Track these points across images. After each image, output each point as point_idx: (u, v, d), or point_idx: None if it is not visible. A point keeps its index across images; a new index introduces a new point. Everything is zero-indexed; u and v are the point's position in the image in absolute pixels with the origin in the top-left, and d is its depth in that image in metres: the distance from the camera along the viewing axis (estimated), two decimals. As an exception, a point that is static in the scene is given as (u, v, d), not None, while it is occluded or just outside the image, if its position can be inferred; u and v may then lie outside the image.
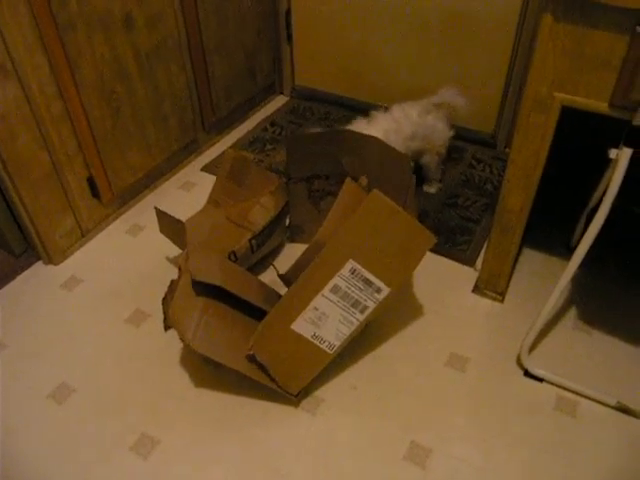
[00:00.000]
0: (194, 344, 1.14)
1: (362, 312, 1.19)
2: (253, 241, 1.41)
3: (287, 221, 1.61)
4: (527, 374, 1.32)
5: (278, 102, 2.31)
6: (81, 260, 1.63)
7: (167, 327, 1.33)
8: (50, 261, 1.60)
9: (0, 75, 1.29)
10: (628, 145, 1.01)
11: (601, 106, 1.06)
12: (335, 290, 1.15)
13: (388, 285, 1.17)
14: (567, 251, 1.64)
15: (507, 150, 2.00)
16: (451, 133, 1.74)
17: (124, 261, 1.62)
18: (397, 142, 1.60)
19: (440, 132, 1.71)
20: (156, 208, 1.44)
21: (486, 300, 1.51)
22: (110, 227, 1.74)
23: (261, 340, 1.16)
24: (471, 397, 1.29)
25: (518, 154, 1.22)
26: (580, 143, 1.68)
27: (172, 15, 1.67)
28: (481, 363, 1.35)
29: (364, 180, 1.35)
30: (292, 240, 1.64)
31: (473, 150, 2.01)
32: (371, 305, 1.19)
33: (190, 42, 1.77)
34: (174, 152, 1.88)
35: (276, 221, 1.47)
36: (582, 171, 1.40)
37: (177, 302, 1.18)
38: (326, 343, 1.20)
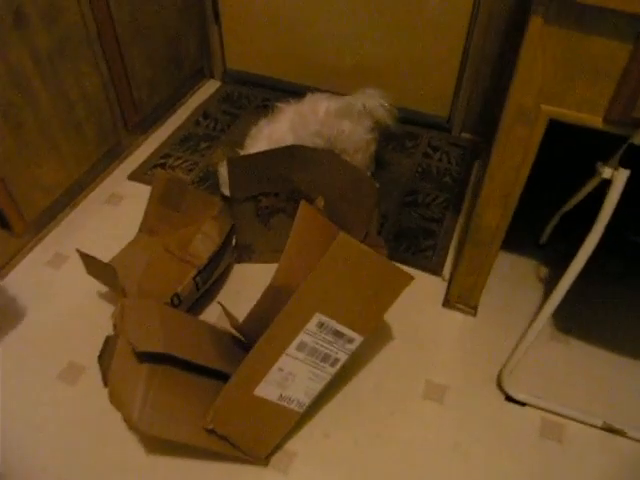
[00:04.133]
0: (142, 426, 0.97)
1: (333, 365, 1.05)
2: (198, 278, 1.22)
3: (233, 241, 1.43)
4: (509, 399, 1.24)
5: (209, 88, 2.06)
6: (-5, 305, 1.40)
7: (107, 382, 1.15)
8: (-44, 310, 1.36)
9: None
10: (625, 166, 0.89)
11: (595, 121, 0.92)
12: (301, 347, 1.00)
13: (361, 333, 1.03)
14: (536, 249, 1.55)
15: (463, 135, 1.86)
16: (370, 137, 1.52)
17: (48, 301, 1.40)
18: (304, 137, 1.45)
19: (354, 136, 1.49)
20: (78, 251, 1.22)
21: (458, 314, 1.40)
22: (28, 259, 1.49)
23: (220, 412, 1.00)
24: (452, 432, 1.19)
25: (497, 169, 1.08)
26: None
27: (75, 3, 1.39)
28: (459, 390, 1.26)
29: (321, 201, 1.19)
30: (240, 260, 1.46)
31: (428, 136, 1.86)
32: (343, 357, 1.05)
33: (101, 34, 1.50)
34: (94, 162, 1.63)
35: (222, 250, 1.28)
36: (554, 168, 1.30)
37: (116, 374, 1.00)
38: (295, 402, 1.06)
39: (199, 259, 1.23)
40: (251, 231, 1.38)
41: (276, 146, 1.44)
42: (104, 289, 1.39)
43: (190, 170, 1.71)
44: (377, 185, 1.15)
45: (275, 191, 1.30)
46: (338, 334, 1.01)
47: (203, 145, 1.80)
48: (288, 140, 1.45)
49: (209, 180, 1.67)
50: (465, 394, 1.25)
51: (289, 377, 1.02)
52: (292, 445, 1.15)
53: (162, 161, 1.74)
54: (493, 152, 1.06)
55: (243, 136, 1.68)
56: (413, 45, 1.73)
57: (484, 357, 1.31)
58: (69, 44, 1.40)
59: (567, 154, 1.59)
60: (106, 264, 1.15)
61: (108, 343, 1.13)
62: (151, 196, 1.30)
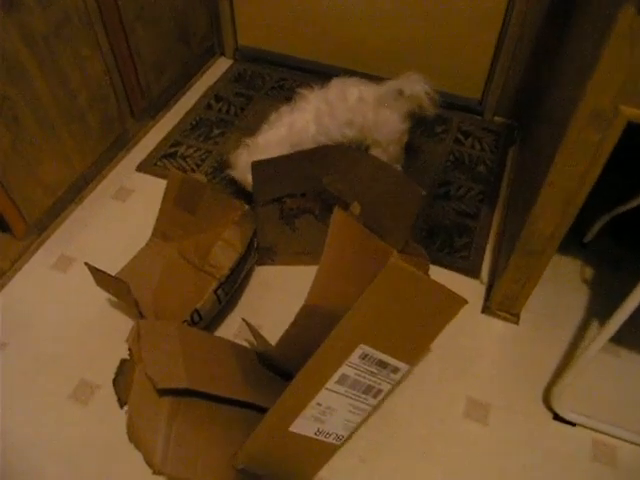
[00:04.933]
0: (166, 469, 0.87)
1: (375, 396, 0.95)
2: (219, 291, 1.11)
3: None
4: (557, 418, 1.15)
5: (220, 67, 1.90)
6: (-1, 315, 1.29)
7: (123, 403, 1.05)
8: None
9: None
10: None
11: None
12: (342, 380, 0.90)
13: (407, 362, 0.93)
14: (580, 247, 1.43)
15: (496, 118, 1.72)
16: (404, 126, 1.39)
17: (55, 310, 1.29)
18: (332, 128, 1.32)
19: (389, 126, 1.36)
20: (87, 265, 1.10)
21: (498, 322, 1.29)
22: (31, 263, 1.38)
23: (252, 452, 0.90)
24: (497, 457, 1.10)
25: (559, 175, 0.95)
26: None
27: (72, -20, 1.24)
28: (504, 409, 1.16)
29: (357, 208, 1.07)
30: (261, 263, 1.34)
31: (458, 119, 1.72)
32: (386, 387, 0.95)
33: (103, 13, 1.34)
34: (99, 154, 1.50)
35: (244, 258, 1.17)
36: (608, 164, 1.16)
37: (135, 409, 0.90)
38: (332, 436, 0.96)
39: (220, 270, 1.11)
40: (274, 233, 1.27)
41: (297, 136, 1.31)
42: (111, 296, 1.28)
43: (202, 160, 1.58)
44: (424, 192, 1.02)
45: (302, 192, 1.18)
46: (382, 364, 0.91)
47: (216, 131, 1.66)
48: (311, 130, 1.32)
49: (223, 171, 1.54)
50: (509, 412, 1.15)
51: (327, 411, 0.92)
52: (328, 474, 1.06)
53: (172, 150, 1.61)
54: (556, 156, 0.93)
55: (258, 121, 1.54)
56: (446, 21, 1.57)
57: (528, 370, 1.21)
58: (67, 25, 1.25)
59: (626, 153, 1.46)
60: (119, 280, 1.04)
61: (123, 366, 1.03)
62: (165, 198, 1.18)
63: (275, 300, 1.31)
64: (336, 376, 0.88)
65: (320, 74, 1.81)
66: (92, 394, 1.16)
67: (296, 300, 1.30)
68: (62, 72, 1.28)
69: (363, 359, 0.89)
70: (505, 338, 1.28)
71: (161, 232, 1.20)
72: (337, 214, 1.02)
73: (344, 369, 0.88)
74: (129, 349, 0.99)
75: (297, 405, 0.89)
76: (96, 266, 1.15)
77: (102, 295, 1.28)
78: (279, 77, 1.83)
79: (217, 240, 1.13)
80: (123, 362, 1.04)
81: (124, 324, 1.24)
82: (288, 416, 0.89)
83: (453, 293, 0.89)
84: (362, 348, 0.87)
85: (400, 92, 1.31)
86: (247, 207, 1.15)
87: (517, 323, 1.29)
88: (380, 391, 0.94)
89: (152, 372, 0.88)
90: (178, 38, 1.66)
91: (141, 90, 1.56)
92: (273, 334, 1.16)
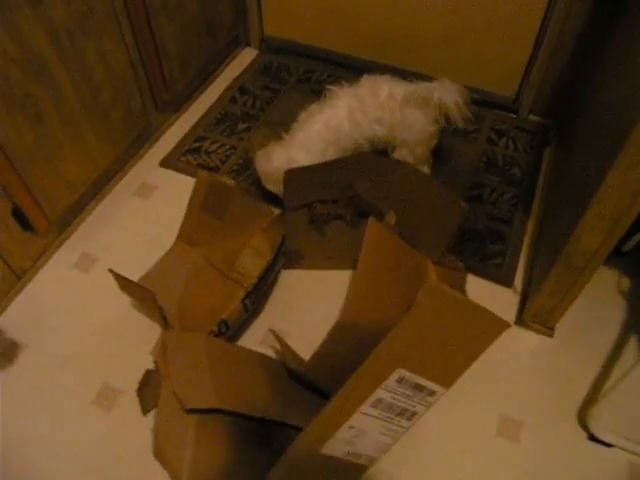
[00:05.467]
0: (193, 490, 0.85)
1: (410, 419, 0.91)
2: (247, 300, 1.08)
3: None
4: (593, 438, 1.11)
5: (245, 57, 1.84)
6: (20, 315, 1.27)
7: (146, 411, 1.04)
8: (-21, 321, 1.24)
9: None
10: None
11: None
12: (376, 404, 0.86)
13: (444, 385, 0.89)
14: (617, 257, 1.37)
15: (531, 117, 1.65)
16: (434, 129, 1.33)
17: (77, 311, 1.27)
18: (364, 125, 1.27)
19: (417, 127, 1.30)
20: (112, 272, 1.07)
21: (532, 335, 1.25)
22: (52, 261, 1.35)
23: (282, 474, 0.87)
24: (529, 477, 1.07)
25: (610, 192, 0.90)
26: None
27: (97, -31, 1.19)
28: (537, 427, 1.12)
29: (392, 218, 1.02)
30: (288, 266, 1.30)
31: (491, 118, 1.65)
32: (421, 410, 0.91)
33: (127, 4, 1.29)
34: (123, 149, 1.46)
35: (272, 265, 1.13)
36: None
37: (161, 427, 0.88)
38: (363, 458, 0.93)
39: (247, 278, 1.08)
40: (302, 237, 1.22)
41: (334, 134, 1.26)
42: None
43: (227, 156, 1.54)
44: (466, 207, 0.97)
45: (333, 198, 1.13)
46: (419, 387, 0.87)
47: (241, 126, 1.61)
48: (345, 128, 1.27)
49: (249, 170, 1.49)
50: (543, 432, 1.12)
51: (359, 434, 0.89)
52: (353, 489, 1.03)
53: (196, 145, 1.56)
54: (608, 173, 0.88)
55: (284, 117, 1.50)
56: (482, 13, 1.49)
57: (563, 387, 1.17)
58: (91, 18, 1.21)
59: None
60: (144, 289, 1.01)
61: (149, 377, 1.01)
62: (191, 201, 1.14)
63: (301, 305, 1.27)
64: (371, 400, 0.85)
65: (347, 66, 1.76)
66: (115, 400, 1.14)
67: (323, 306, 1.27)
68: (86, 67, 1.24)
69: (399, 383, 0.85)
70: (539, 352, 1.23)
71: (187, 236, 1.17)
72: (372, 225, 0.98)
73: (379, 393, 0.85)
74: (155, 361, 0.96)
75: (330, 428, 0.86)
76: (118, 266, 1.12)
77: (125, 296, 1.25)
78: (305, 69, 1.77)
79: (245, 247, 1.10)
80: (148, 373, 1.02)
81: (147, 328, 1.21)
82: (320, 439, 0.86)
83: (495, 316, 0.85)
84: (399, 372, 0.83)
85: (430, 96, 1.26)
86: (276, 213, 1.11)
87: (552, 336, 1.24)
88: (415, 414, 0.91)
89: (180, 391, 0.85)
90: (204, 29, 1.60)
91: (165, 83, 1.51)
92: (300, 341, 1.13)
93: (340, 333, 0.92)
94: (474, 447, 1.10)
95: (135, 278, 1.17)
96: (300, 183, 1.07)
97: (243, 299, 1.07)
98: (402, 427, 0.92)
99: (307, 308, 1.26)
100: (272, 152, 1.27)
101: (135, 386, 1.12)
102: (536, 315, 1.22)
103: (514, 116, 1.66)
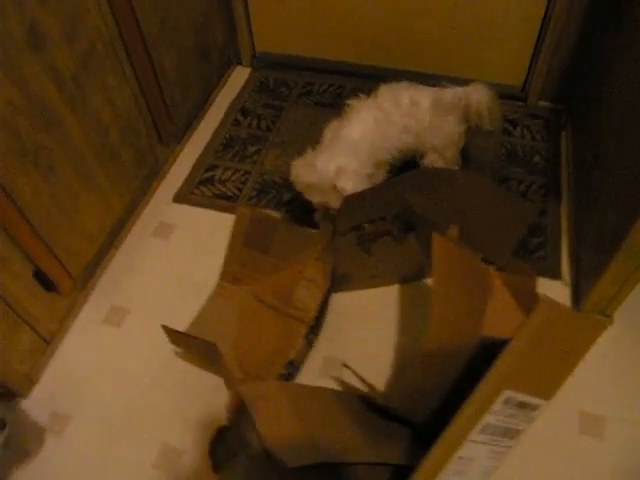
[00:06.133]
0: None
1: (513, 438, 0.87)
2: (311, 335, 1.01)
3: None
4: (676, 423, 1.08)
5: (238, 77, 1.77)
6: (56, 383, 1.18)
7: (217, 468, 0.97)
8: (15, 395, 1.14)
9: None
10: None
11: None
12: (484, 429, 0.81)
13: (547, 398, 0.85)
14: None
15: (540, 103, 1.63)
16: (461, 129, 1.30)
17: (115, 369, 1.18)
18: (391, 135, 1.23)
19: (445, 130, 1.27)
20: (164, 327, 1.00)
21: (592, 325, 1.22)
22: (79, 320, 1.26)
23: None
24: (618, 472, 1.04)
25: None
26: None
27: (94, 5, 1.11)
28: (618, 420, 1.09)
29: (455, 231, 0.98)
30: (335, 290, 1.24)
31: (502, 108, 1.62)
32: (524, 427, 0.86)
33: (124, 37, 1.21)
34: (136, 190, 1.38)
35: (328, 293, 1.07)
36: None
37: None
38: (470, 485, 0.88)
39: (307, 312, 1.02)
40: (349, 259, 1.17)
41: (370, 144, 1.21)
42: (178, 348, 1.17)
43: (243, 183, 1.47)
44: (537, 209, 0.93)
45: (382, 216, 1.08)
46: (522, 405, 0.82)
47: (251, 149, 1.54)
48: (376, 140, 1.22)
49: (269, 193, 1.43)
50: (625, 424, 1.09)
51: (468, 463, 0.84)
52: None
53: (208, 175, 1.49)
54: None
55: (294, 134, 1.44)
56: (485, 6, 1.46)
57: (634, 375, 1.15)
58: (94, 56, 1.13)
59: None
60: (205, 342, 0.93)
61: (224, 434, 0.94)
62: (233, 238, 1.07)
63: (354, 330, 1.21)
64: (478, 427, 0.80)
65: (347, 74, 1.71)
66: (179, 460, 1.06)
67: (375, 328, 1.21)
68: (92, 108, 1.16)
69: (505, 404, 0.80)
70: (602, 341, 1.20)
71: (231, 275, 1.10)
72: (437, 241, 0.93)
73: (487, 418, 0.80)
74: (230, 416, 0.89)
75: (439, 464, 0.81)
76: (151, 315, 1.08)
77: (163, 346, 1.18)
78: (305, 82, 1.71)
79: (299, 279, 1.03)
80: (222, 430, 0.95)
81: (195, 377, 1.14)
82: (431, 476, 0.81)
83: (596, 319, 0.82)
84: (505, 394, 0.79)
85: (459, 101, 1.23)
86: (324, 239, 1.05)
87: (611, 324, 1.21)
88: (518, 432, 0.86)
89: (278, 451, 0.78)
90: (199, 53, 1.53)
91: (169, 114, 1.43)
92: (360, 368, 1.07)
93: (427, 361, 0.87)
94: (560, 449, 1.06)
95: (174, 325, 1.10)
96: (353, 207, 1.01)
97: (307, 335, 1.00)
98: (507, 447, 0.88)
99: (360, 332, 1.20)
100: (315, 161, 1.19)
101: (200, 443, 1.05)
102: (596, 304, 1.19)
103: (523, 104, 1.63)
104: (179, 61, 1.43)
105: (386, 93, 1.26)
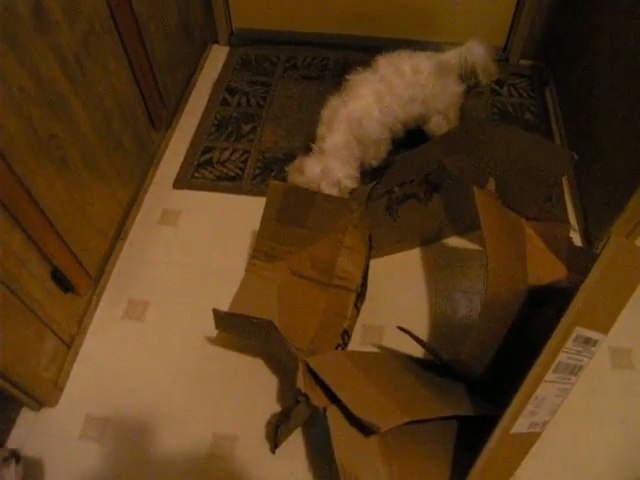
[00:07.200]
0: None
1: (576, 374, 0.90)
2: (358, 302, 1.01)
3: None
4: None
5: (217, 56, 1.71)
6: (85, 387, 1.11)
7: (276, 447, 0.96)
8: (43, 405, 1.08)
9: None
10: None
11: None
12: (557, 369, 0.84)
13: (605, 332, 0.88)
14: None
15: (522, 62, 1.67)
16: (461, 89, 1.32)
17: (145, 365, 1.13)
18: (395, 107, 1.24)
19: (446, 92, 1.29)
20: (214, 310, 0.96)
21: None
22: (97, 318, 1.20)
23: (484, 467, 0.83)
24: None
25: None
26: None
27: (89, -19, 1.04)
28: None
29: (492, 184, 0.99)
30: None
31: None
32: (586, 362, 0.90)
33: (115, 14, 1.14)
34: (138, 178, 1.31)
35: (367, 260, 1.07)
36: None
37: (346, 459, 0.80)
38: (539, 425, 0.91)
39: (353, 280, 1.01)
40: (377, 225, 1.16)
41: (360, 127, 1.21)
42: (209, 334, 1.13)
43: (244, 162, 1.43)
44: (575, 156, 0.96)
45: (412, 178, 1.08)
46: (587, 341, 0.86)
47: (245, 128, 1.50)
48: (374, 115, 1.22)
49: (272, 170, 1.40)
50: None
51: (540, 402, 0.86)
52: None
53: (206, 157, 1.44)
54: None
55: (287, 109, 1.42)
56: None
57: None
58: (93, 37, 1.06)
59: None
60: (264, 320, 0.89)
61: (287, 414, 0.92)
62: (265, 215, 1.04)
63: (387, 296, 1.21)
64: (553, 366, 0.83)
65: (328, 45, 1.69)
66: (232, 447, 1.04)
67: (406, 292, 1.22)
68: (95, 93, 1.09)
69: (575, 341, 0.83)
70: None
71: (263, 253, 1.07)
72: (479, 194, 0.94)
73: (560, 357, 0.82)
74: (302, 393, 0.87)
75: (522, 405, 0.83)
76: (173, 304, 1.13)
77: (193, 335, 1.14)
78: (288, 56, 1.68)
79: (338, 249, 1.02)
80: (286, 409, 0.93)
81: (230, 361, 1.11)
82: (514, 419, 0.83)
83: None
84: (577, 331, 0.81)
85: (457, 60, 1.25)
86: (361, 206, 1.04)
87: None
88: (581, 367, 0.90)
89: (366, 416, 0.78)
90: (184, 32, 1.47)
91: (160, 97, 1.37)
92: (396, 335, 1.06)
93: (489, 311, 0.89)
94: (596, 384, 1.10)
95: (200, 312, 1.06)
96: (394, 171, 1.01)
97: (356, 302, 1.00)
98: (571, 384, 0.91)
99: (393, 298, 1.21)
100: (304, 164, 1.20)
101: (251, 427, 1.03)
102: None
103: (506, 63, 1.67)
104: (166, 41, 1.37)
105: (386, 64, 1.25)
